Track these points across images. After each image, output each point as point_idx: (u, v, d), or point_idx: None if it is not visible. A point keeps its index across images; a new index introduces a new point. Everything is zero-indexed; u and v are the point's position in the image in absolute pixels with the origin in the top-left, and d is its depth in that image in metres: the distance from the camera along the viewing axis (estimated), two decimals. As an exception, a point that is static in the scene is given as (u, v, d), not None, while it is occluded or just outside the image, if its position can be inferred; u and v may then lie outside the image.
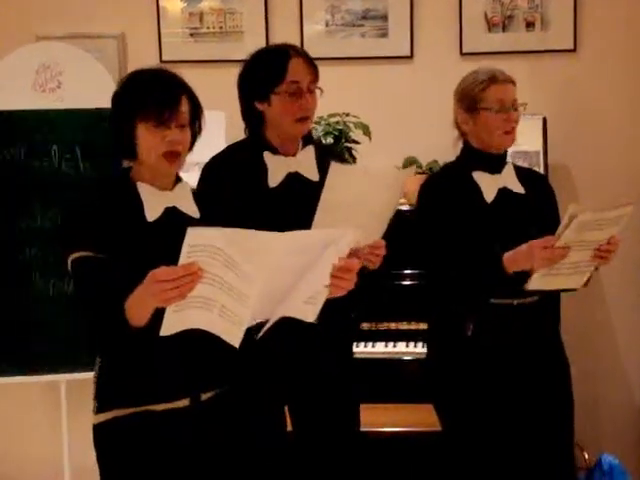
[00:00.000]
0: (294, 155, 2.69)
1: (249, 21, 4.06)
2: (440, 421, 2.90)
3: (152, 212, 2.30)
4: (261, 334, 2.21)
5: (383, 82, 4.06)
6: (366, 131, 3.74)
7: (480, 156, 2.80)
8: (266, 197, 2.63)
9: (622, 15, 3.97)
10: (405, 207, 3.58)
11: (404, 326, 3.55)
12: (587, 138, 4.00)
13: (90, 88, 3.56)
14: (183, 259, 2.00)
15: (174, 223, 2.29)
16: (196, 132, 2.38)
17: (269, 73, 2.63)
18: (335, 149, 3.34)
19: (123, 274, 2.18)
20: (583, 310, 4.00)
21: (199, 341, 2.13)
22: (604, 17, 3.97)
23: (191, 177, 3.49)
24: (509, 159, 2.91)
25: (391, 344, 3.54)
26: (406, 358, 3.48)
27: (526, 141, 3.80)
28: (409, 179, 3.69)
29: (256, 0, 4.04)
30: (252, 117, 2.70)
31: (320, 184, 2.52)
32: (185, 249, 1.99)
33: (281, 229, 2.37)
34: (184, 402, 2.31)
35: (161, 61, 4.06)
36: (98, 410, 2.32)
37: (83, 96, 3.59)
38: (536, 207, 2.82)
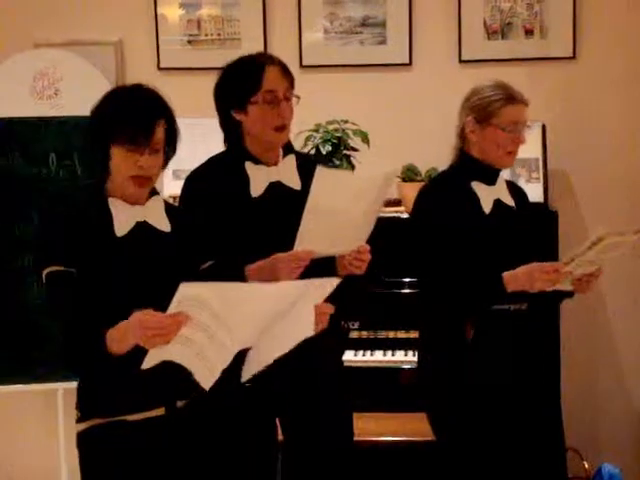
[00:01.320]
0: (275, 164, 2.69)
1: (247, 28, 4.04)
2: (433, 430, 2.89)
3: (122, 227, 2.32)
4: (245, 379, 2.32)
5: (382, 89, 4.05)
6: (365, 138, 3.73)
7: (479, 166, 2.81)
8: (249, 207, 2.63)
9: (621, 22, 3.96)
10: (404, 215, 3.57)
11: (402, 334, 3.53)
12: (586, 145, 3.98)
13: (87, 95, 3.50)
14: (172, 310, 2.07)
15: (143, 238, 2.33)
16: (170, 154, 2.38)
17: (245, 83, 2.63)
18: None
19: (101, 288, 2.23)
20: (583, 319, 3.98)
21: None
22: (603, 24, 3.96)
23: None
24: (502, 172, 2.92)
25: (389, 353, 3.53)
26: (404, 367, 3.46)
27: (525, 148, 3.77)
28: (407, 186, 3.71)
29: (254, 7, 4.04)
30: (231, 127, 2.70)
31: (303, 193, 2.54)
32: (175, 301, 2.06)
33: (265, 238, 2.39)
34: (160, 411, 2.34)
35: (159, 68, 4.06)
36: (79, 419, 2.35)
37: (80, 103, 3.56)
38: (524, 220, 2.87)
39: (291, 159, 2.72)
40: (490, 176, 2.82)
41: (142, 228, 2.34)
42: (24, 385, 3.63)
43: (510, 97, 2.78)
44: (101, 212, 2.31)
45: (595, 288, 2.77)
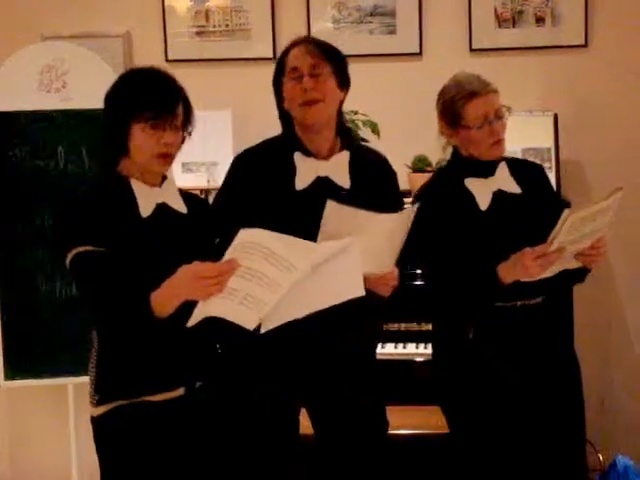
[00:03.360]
0: (327, 158, 2.62)
1: (256, 19, 4.02)
2: (447, 423, 2.87)
3: (145, 208, 2.34)
4: (265, 330, 2.29)
5: (392, 79, 4.02)
6: (375, 129, 3.70)
7: (471, 162, 2.74)
8: (291, 198, 2.57)
9: (633, 10, 3.93)
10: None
11: (414, 327, 3.52)
12: (599, 134, 3.95)
13: (95, 88, 3.49)
14: (228, 255, 2.10)
15: (165, 219, 2.36)
16: (185, 135, 2.40)
17: (277, 70, 2.65)
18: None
19: (131, 267, 2.24)
20: (596, 310, 3.96)
21: (191, 330, 2.18)
22: (615, 12, 3.93)
23: (199, 178, 3.45)
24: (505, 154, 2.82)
25: (401, 345, 3.51)
26: (416, 359, 3.45)
27: (538, 138, 3.77)
28: (417, 177, 3.68)
29: (263, -3, 4.01)
30: (285, 121, 2.68)
31: (352, 191, 2.51)
32: (232, 247, 2.10)
33: (301, 232, 2.36)
34: (180, 391, 2.36)
35: (167, 60, 4.04)
36: (98, 402, 2.34)
37: (88, 96, 3.56)
38: (534, 205, 2.76)
39: (344, 155, 2.64)
40: (486, 169, 2.73)
41: (161, 210, 2.36)
42: (35, 380, 3.63)
43: (472, 92, 2.67)
44: (122, 194, 2.32)
45: (602, 261, 2.68)
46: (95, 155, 3.59)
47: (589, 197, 3.93)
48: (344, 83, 2.68)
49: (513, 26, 3.95)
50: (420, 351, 3.45)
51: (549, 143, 3.77)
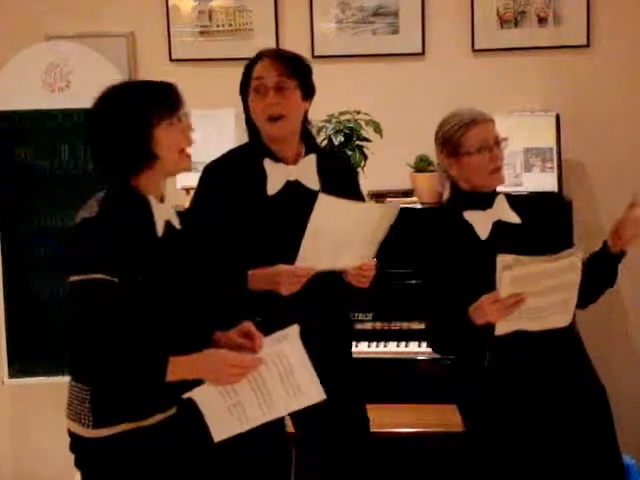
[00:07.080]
0: (295, 162, 2.67)
1: (259, 19, 4.03)
2: (463, 422, 2.82)
3: (160, 227, 2.29)
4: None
5: (394, 79, 4.03)
6: (377, 129, 3.71)
7: (469, 196, 2.73)
8: (264, 204, 2.63)
9: (635, 10, 3.93)
10: (417, 205, 3.56)
11: (416, 325, 3.52)
12: (601, 134, 3.96)
13: (99, 87, 3.53)
14: (259, 354, 2.17)
15: (171, 237, 2.31)
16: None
17: (243, 77, 2.69)
18: (339, 156, 3.28)
19: (148, 297, 2.20)
20: (598, 309, 3.95)
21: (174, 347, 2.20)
22: (618, 12, 3.93)
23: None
24: (500, 189, 2.80)
25: (403, 344, 3.52)
26: (419, 358, 3.46)
27: (540, 138, 3.78)
28: (419, 177, 3.70)
29: (266, -3, 4.02)
30: (252, 128, 2.72)
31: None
32: (269, 347, 2.17)
33: (278, 236, 2.41)
34: (173, 410, 2.33)
35: (171, 60, 4.05)
36: (97, 424, 2.26)
37: (92, 95, 3.56)
38: (535, 234, 2.74)
39: (311, 158, 2.70)
40: (484, 201, 2.72)
41: (168, 228, 2.31)
42: (40, 378, 3.65)
43: (469, 121, 2.69)
44: (142, 213, 2.26)
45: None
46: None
47: (591, 196, 3.95)
48: (309, 94, 2.72)
49: (515, 26, 3.96)
50: (422, 349, 3.43)
51: (551, 143, 3.78)
